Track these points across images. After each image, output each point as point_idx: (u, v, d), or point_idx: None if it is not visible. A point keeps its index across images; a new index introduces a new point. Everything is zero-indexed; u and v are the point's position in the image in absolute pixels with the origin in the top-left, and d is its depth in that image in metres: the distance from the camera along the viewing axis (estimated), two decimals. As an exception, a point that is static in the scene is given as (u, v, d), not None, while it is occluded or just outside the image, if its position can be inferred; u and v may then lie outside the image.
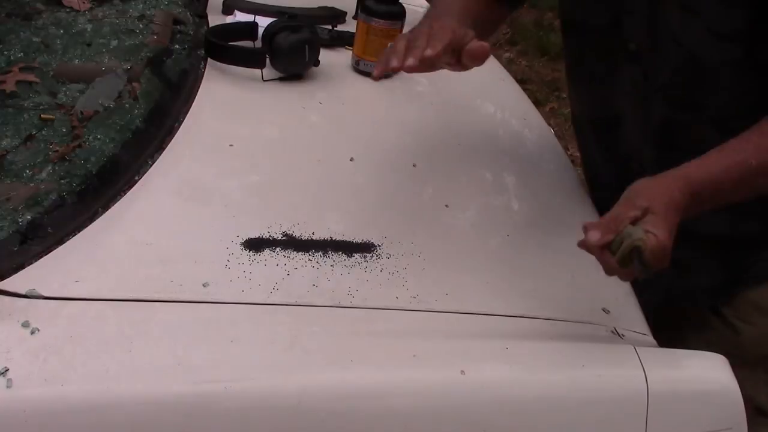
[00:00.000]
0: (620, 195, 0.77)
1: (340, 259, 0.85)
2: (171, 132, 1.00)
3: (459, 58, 0.81)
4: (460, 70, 0.83)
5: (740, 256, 1.02)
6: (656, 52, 0.94)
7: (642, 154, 1.04)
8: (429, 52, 0.76)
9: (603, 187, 1.13)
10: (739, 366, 0.79)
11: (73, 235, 0.79)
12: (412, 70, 0.77)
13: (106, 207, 0.85)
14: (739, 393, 0.78)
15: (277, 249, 0.84)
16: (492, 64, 1.54)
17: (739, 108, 0.90)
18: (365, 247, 0.87)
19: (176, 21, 1.20)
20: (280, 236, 0.86)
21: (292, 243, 0.85)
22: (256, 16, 1.31)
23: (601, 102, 1.10)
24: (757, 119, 0.83)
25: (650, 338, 0.86)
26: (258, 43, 1.24)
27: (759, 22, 0.83)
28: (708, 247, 0.91)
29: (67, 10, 1.16)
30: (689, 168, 0.79)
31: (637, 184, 0.78)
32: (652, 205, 0.73)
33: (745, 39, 0.85)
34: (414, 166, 1.06)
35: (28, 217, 0.77)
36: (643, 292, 0.91)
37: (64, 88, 0.98)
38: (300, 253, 0.84)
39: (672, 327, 0.87)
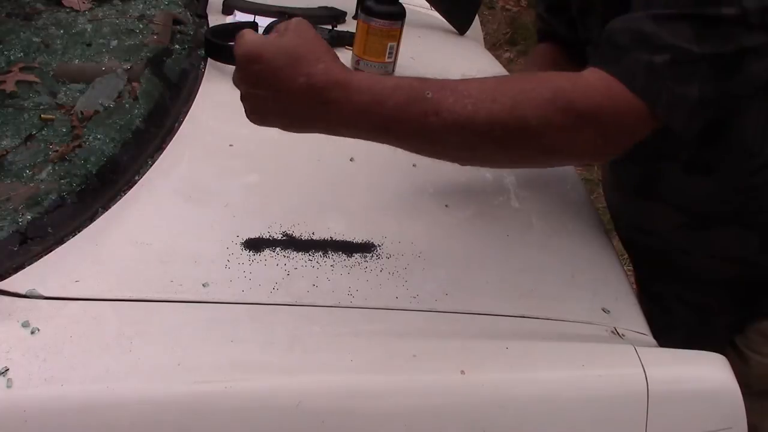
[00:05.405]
0: None
1: (340, 259, 0.85)
2: (171, 132, 1.00)
3: None
4: None
5: (754, 295, 1.03)
6: None
7: (618, 204, 1.05)
8: None
9: None
10: (746, 395, 0.78)
11: (73, 235, 0.79)
12: None
13: (106, 207, 0.85)
14: (740, 392, 0.78)
15: (277, 249, 0.84)
16: (492, 64, 1.54)
17: (712, 151, 0.91)
18: (365, 247, 0.87)
19: (176, 21, 1.20)
20: (280, 236, 0.86)
21: (292, 243, 0.85)
22: (256, 16, 1.31)
23: None
24: (735, 158, 0.86)
25: (650, 338, 0.86)
26: (258, 43, 1.24)
27: None
28: (723, 290, 0.92)
29: (67, 10, 1.16)
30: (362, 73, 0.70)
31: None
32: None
33: None
34: (414, 166, 1.05)
35: (28, 217, 0.77)
36: (668, 339, 0.91)
37: (64, 88, 0.98)
38: (300, 253, 0.84)
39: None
